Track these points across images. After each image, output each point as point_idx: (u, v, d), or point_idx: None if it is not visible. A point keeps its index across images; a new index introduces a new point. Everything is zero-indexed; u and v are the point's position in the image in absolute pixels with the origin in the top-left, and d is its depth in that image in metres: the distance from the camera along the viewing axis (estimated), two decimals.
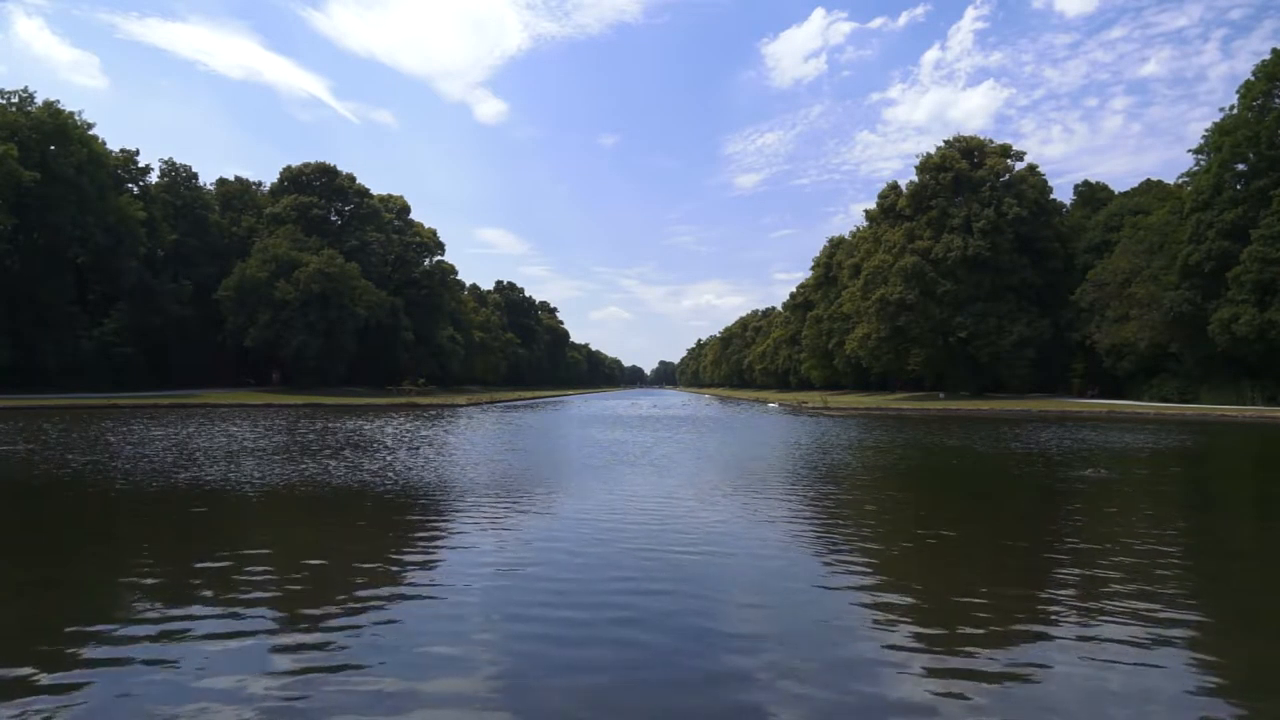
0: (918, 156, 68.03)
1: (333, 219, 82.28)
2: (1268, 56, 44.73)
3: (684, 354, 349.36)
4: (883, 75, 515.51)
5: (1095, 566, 7.57)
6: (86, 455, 17.02)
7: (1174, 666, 4.97)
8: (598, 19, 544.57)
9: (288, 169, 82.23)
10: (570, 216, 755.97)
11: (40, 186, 50.64)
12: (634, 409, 52.89)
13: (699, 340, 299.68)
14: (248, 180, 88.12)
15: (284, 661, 4.96)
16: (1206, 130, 48.32)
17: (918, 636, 5.52)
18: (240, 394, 59.83)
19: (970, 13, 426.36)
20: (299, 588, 6.79)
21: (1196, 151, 49.47)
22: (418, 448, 19.97)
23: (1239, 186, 45.88)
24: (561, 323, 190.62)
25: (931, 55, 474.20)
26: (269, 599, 6.38)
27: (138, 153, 69.09)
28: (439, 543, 8.66)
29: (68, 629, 5.62)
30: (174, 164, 74.52)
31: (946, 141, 67.85)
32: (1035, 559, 8.08)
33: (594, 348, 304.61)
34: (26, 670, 4.78)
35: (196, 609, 6.06)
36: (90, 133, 57.69)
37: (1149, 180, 65.44)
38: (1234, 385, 45.14)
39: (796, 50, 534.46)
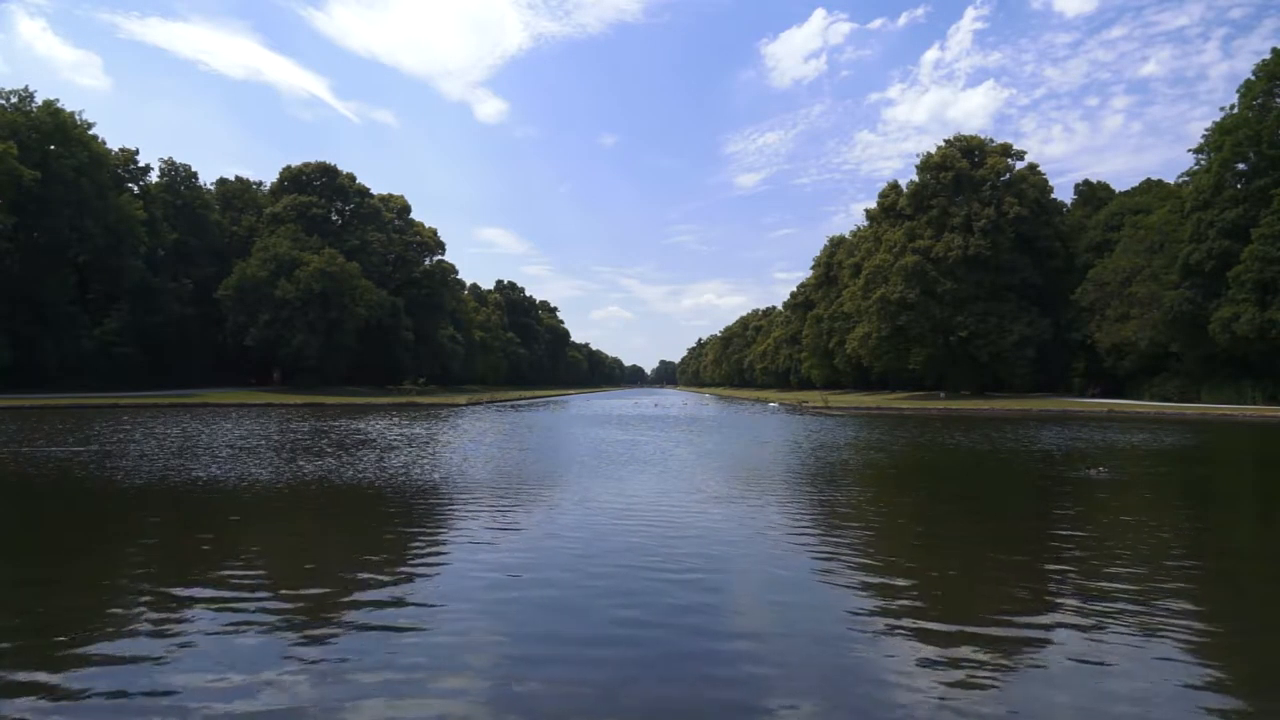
0: (918, 156, 68.07)
1: (333, 218, 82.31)
2: (1268, 56, 44.66)
3: (684, 353, 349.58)
4: (882, 75, 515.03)
5: (1096, 566, 7.55)
6: (95, 454, 17.01)
7: (1176, 667, 4.95)
8: (598, 18, 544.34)
9: (288, 168, 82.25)
10: (570, 216, 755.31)
11: (40, 186, 50.66)
12: (635, 408, 52.98)
13: (699, 340, 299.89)
14: (248, 180, 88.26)
15: (283, 662, 4.95)
16: (1207, 129, 48.28)
17: (918, 637, 5.50)
18: (240, 393, 59.83)
19: (970, 13, 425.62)
20: (299, 588, 6.77)
21: (1197, 151, 49.41)
22: (418, 447, 19.96)
23: (1240, 186, 45.81)
24: (562, 322, 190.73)
25: (931, 55, 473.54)
26: (269, 599, 6.37)
27: (137, 152, 69.23)
28: (438, 544, 8.65)
29: (67, 629, 5.62)
30: (174, 163, 74.55)
31: (947, 141, 67.78)
32: (1036, 559, 8.06)
33: (594, 347, 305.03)
34: (25, 670, 4.78)
35: (195, 609, 6.05)
36: (91, 132, 57.74)
37: (1149, 179, 65.44)
38: (1234, 384, 45.11)
39: (796, 50, 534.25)
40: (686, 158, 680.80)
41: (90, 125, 57.80)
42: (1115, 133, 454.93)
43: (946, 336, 64.69)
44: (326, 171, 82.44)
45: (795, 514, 10.74)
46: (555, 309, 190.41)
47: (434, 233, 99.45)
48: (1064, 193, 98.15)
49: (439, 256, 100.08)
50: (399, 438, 23.14)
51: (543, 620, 5.80)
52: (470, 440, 23.08)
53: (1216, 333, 43.99)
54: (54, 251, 54.55)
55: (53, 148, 54.12)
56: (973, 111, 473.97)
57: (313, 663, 4.92)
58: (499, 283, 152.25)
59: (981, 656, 5.11)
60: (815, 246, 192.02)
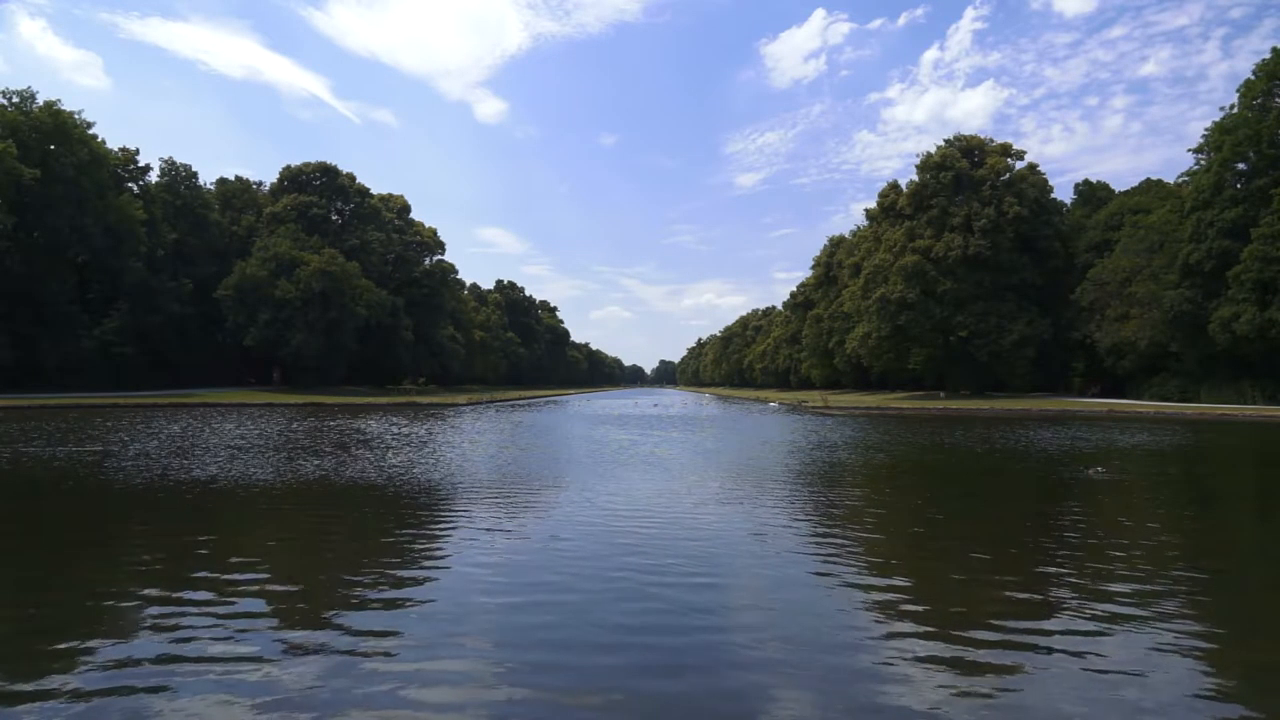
0: (918, 155, 68.00)
1: (333, 218, 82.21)
2: (1268, 55, 44.68)
3: (684, 353, 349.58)
4: (882, 75, 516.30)
5: (1096, 567, 7.56)
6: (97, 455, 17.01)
7: (1177, 668, 4.96)
8: (598, 18, 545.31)
9: (288, 168, 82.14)
10: (570, 216, 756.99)
11: (40, 185, 50.63)
12: (634, 408, 52.99)
13: (699, 339, 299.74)
14: (248, 179, 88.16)
15: (282, 662, 4.95)
16: (1207, 129, 48.30)
17: (917, 638, 5.51)
18: (240, 393, 59.82)
19: (969, 13, 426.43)
20: (299, 588, 6.79)
21: (1197, 150, 49.43)
22: (418, 447, 19.96)
23: (1239, 185, 45.81)
24: (562, 322, 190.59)
25: (930, 55, 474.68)
26: (269, 598, 6.37)
27: (137, 152, 69.16)
28: (437, 544, 8.65)
29: (67, 629, 5.62)
30: (174, 163, 74.48)
31: (947, 140, 67.76)
32: (1036, 559, 8.06)
33: (594, 347, 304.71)
34: (24, 671, 4.79)
35: (194, 609, 6.05)
36: (91, 132, 57.67)
37: (1149, 179, 65.48)
38: (1234, 384, 45.10)
39: (796, 50, 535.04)
40: (686, 158, 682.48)
41: (90, 125, 57.73)
42: (1115, 133, 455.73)
43: (946, 336, 64.65)
44: (326, 171, 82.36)
45: (795, 515, 10.74)
46: (555, 309, 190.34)
47: (434, 232, 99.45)
48: (1064, 193, 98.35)
49: (439, 256, 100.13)
50: (399, 438, 23.14)
51: (541, 621, 5.80)
52: (470, 440, 23.07)
53: (1216, 332, 43.99)
54: (54, 251, 54.50)
55: (53, 147, 54.05)
56: (972, 111, 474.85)
57: (311, 663, 4.92)
58: (499, 282, 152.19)
59: (982, 659, 5.12)
60: (815, 246, 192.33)
